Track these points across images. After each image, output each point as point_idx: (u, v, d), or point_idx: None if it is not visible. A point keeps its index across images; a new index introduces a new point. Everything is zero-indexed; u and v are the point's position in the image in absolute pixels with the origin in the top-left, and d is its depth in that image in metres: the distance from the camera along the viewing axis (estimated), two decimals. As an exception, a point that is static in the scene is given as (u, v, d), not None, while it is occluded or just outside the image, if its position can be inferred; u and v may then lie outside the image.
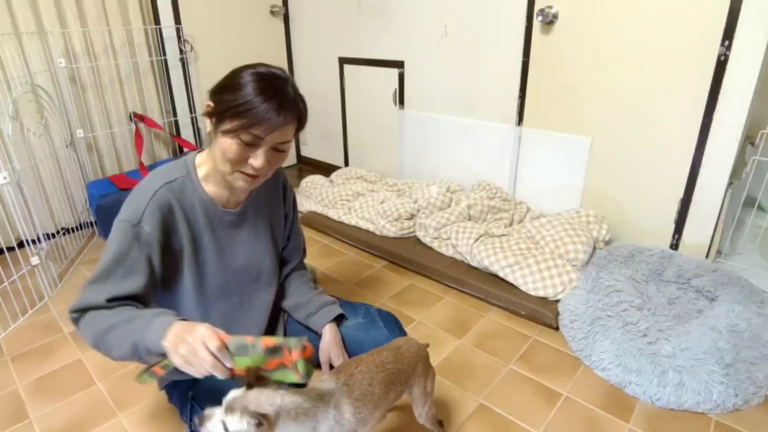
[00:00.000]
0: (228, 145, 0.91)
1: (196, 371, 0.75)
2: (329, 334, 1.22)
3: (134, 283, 0.92)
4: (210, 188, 1.03)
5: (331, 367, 1.19)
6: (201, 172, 1.02)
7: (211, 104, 0.94)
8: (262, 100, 0.88)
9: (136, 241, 0.92)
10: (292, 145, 3.93)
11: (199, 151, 1.05)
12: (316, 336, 1.24)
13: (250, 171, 0.94)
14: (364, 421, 0.90)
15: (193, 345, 0.74)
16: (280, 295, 1.30)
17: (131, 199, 0.96)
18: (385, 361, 0.97)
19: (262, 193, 1.15)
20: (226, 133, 0.90)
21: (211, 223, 1.04)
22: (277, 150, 0.95)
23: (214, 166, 1.00)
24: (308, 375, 0.76)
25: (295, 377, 0.76)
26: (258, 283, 1.17)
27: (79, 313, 0.89)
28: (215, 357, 0.73)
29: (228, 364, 0.74)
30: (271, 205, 1.18)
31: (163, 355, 0.78)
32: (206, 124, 0.96)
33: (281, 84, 0.92)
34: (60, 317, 1.69)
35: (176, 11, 2.50)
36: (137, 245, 0.92)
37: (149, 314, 0.85)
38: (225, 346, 0.74)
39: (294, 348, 0.75)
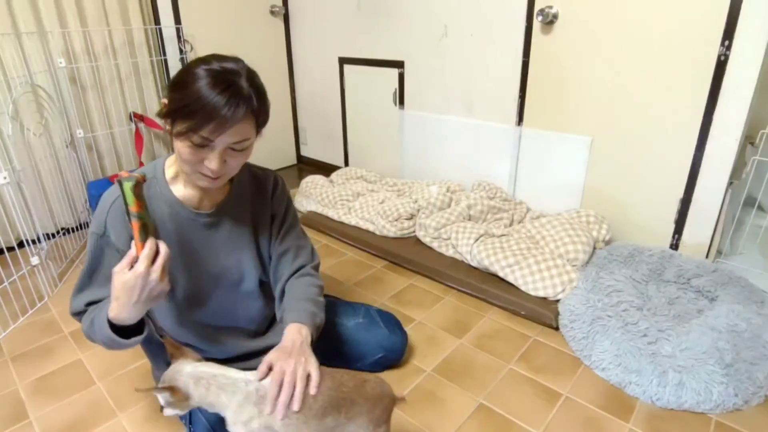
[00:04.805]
0: (180, 147, 0.87)
1: (159, 281, 0.82)
2: (289, 331, 0.98)
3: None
4: (180, 190, 0.99)
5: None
6: (169, 173, 0.99)
7: (166, 103, 0.89)
8: (209, 97, 0.81)
9: (106, 250, 0.95)
10: (292, 144, 3.90)
11: (172, 153, 1.00)
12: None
13: (208, 173, 0.89)
14: (288, 429, 0.83)
15: (133, 289, 0.81)
16: (279, 307, 1.16)
17: (97, 210, 0.96)
18: (343, 383, 0.87)
19: (246, 192, 1.09)
20: (177, 135, 0.86)
21: (180, 227, 0.99)
22: (235, 149, 0.89)
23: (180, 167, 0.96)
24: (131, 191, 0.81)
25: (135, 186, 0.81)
26: (240, 289, 1.10)
27: (76, 317, 0.99)
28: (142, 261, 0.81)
29: (147, 247, 0.82)
30: (256, 206, 1.11)
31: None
32: (165, 124, 0.91)
33: (232, 78, 0.85)
34: (60, 317, 1.68)
35: (176, 11, 2.49)
36: (107, 254, 0.96)
37: (99, 314, 0.90)
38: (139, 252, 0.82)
39: (131, 205, 0.82)
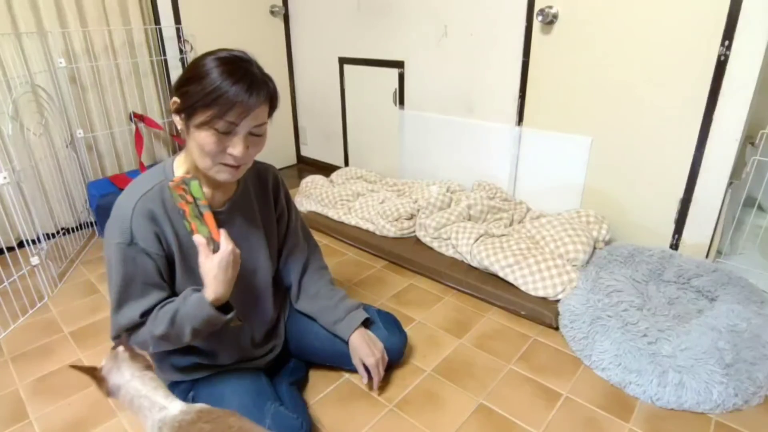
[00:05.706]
0: (204, 137, 0.89)
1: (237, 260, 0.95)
2: (356, 339, 1.23)
3: (157, 295, 0.96)
4: None
5: (366, 368, 1.25)
6: (180, 173, 1.00)
7: (178, 100, 0.91)
8: (230, 84, 0.86)
9: (138, 258, 0.94)
10: (292, 144, 3.91)
11: (178, 154, 1.03)
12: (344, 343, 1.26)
13: (230, 161, 0.92)
14: None
15: (228, 264, 0.92)
16: (297, 296, 1.28)
17: (115, 221, 0.95)
18: (230, 426, 0.80)
19: (250, 186, 1.12)
20: (200, 126, 0.88)
21: None
22: (255, 134, 0.93)
23: (192, 166, 0.97)
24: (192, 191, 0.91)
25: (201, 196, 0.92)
26: (255, 281, 1.15)
27: (127, 332, 0.97)
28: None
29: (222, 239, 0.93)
30: (261, 199, 1.16)
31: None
32: (176, 122, 0.93)
33: (246, 65, 0.90)
34: (60, 317, 1.69)
35: (176, 11, 2.50)
36: (139, 261, 0.94)
37: (184, 307, 0.94)
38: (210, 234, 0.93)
39: (202, 206, 0.92)
